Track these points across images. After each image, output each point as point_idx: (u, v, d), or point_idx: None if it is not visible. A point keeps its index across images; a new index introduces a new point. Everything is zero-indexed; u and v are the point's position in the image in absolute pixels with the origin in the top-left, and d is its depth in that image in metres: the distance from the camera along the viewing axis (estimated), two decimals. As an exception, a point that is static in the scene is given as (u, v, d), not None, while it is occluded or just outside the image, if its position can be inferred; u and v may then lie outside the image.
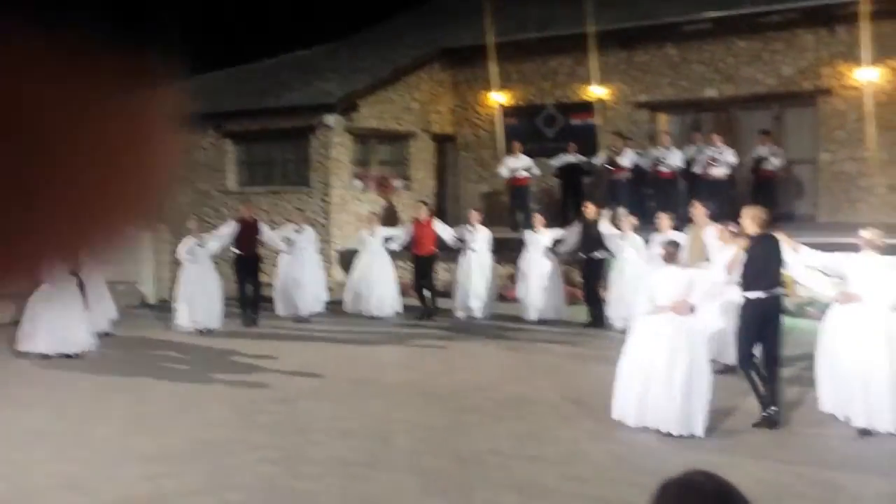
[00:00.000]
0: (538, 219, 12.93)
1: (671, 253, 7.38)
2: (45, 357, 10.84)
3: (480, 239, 13.19)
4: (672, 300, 7.06)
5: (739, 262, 7.22)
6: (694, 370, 6.92)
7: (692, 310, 7.11)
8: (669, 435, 6.86)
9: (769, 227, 7.40)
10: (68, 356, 10.89)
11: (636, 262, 11.31)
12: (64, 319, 10.96)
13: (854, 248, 7.59)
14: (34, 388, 9.42)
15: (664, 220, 10.75)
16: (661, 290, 7.18)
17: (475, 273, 13.04)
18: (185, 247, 12.81)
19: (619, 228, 11.96)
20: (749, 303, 7.25)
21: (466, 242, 13.24)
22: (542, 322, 12.44)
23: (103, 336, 12.28)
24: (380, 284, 13.29)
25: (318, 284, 13.55)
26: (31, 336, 10.97)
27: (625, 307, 11.41)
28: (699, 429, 6.89)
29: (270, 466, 6.51)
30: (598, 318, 12.09)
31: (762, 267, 7.18)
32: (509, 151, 16.57)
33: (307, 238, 13.53)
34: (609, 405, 7.91)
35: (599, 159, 15.77)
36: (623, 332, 11.21)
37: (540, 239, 12.64)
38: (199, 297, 12.56)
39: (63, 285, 11.10)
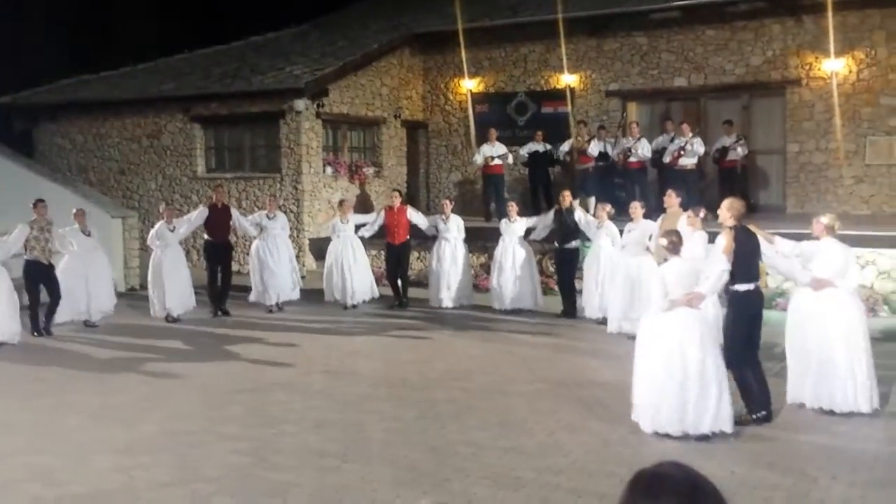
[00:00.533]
0: (512, 207, 12.91)
1: (675, 244, 6.98)
2: None
3: (453, 228, 13.15)
4: (684, 293, 6.77)
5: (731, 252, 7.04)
6: (719, 363, 6.74)
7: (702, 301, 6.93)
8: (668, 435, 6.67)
9: (745, 219, 7.41)
10: None
11: (610, 252, 11.38)
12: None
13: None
14: (-1, 377, 9.28)
15: (637, 209, 10.83)
16: (672, 284, 6.80)
17: (448, 262, 13.01)
18: (155, 231, 12.64)
19: (594, 217, 12.01)
20: (740, 296, 7.12)
21: (440, 232, 13.20)
22: (515, 312, 12.43)
23: (83, 325, 12.09)
24: (354, 273, 13.18)
25: (292, 272, 13.41)
26: None
27: (599, 297, 11.50)
28: (729, 424, 6.67)
29: (242, 458, 6.47)
30: (571, 308, 12.13)
31: (747, 259, 7.11)
32: (483, 139, 16.54)
33: (280, 224, 13.35)
34: (584, 395, 7.98)
35: (564, 148, 15.76)
36: (599, 322, 11.35)
37: (514, 227, 12.62)
38: (169, 284, 12.40)
39: None
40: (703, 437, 6.59)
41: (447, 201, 13.68)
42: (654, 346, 6.76)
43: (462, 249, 13.18)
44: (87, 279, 11.98)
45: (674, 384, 6.58)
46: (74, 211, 12.23)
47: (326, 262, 13.42)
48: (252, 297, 13.20)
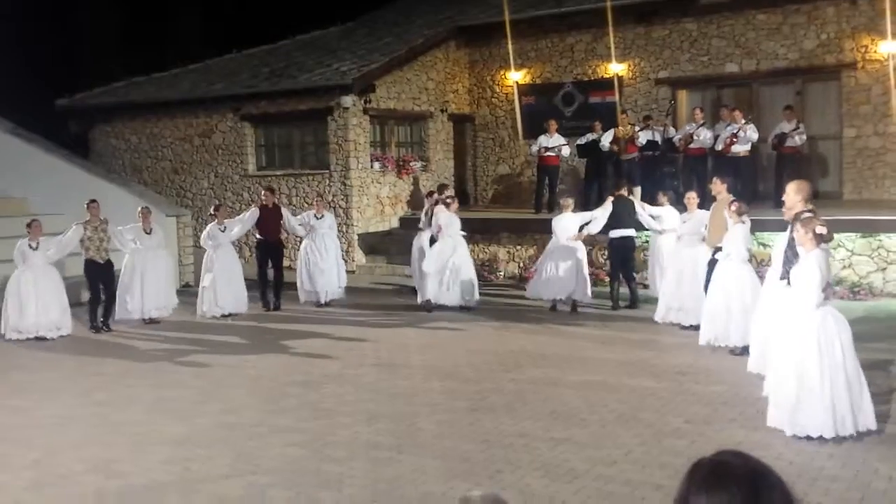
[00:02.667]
0: (566, 203, 12.15)
1: (829, 233, 6.38)
2: (41, 339, 11.26)
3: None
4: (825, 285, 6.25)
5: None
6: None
7: None
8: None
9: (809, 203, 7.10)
10: (44, 338, 11.30)
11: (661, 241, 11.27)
12: (44, 302, 11.31)
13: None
14: (58, 373, 9.50)
15: (692, 199, 10.67)
16: (824, 276, 6.22)
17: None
18: (207, 231, 12.87)
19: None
20: None
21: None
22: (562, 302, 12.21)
23: (147, 321, 12.27)
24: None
25: (338, 270, 13.48)
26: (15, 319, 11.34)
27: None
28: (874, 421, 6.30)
29: (297, 450, 6.53)
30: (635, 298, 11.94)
31: None
32: (533, 131, 16.41)
33: (327, 224, 13.46)
34: (636, 386, 7.90)
35: (606, 138, 15.45)
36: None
37: (566, 225, 11.97)
38: (223, 283, 12.60)
39: (41, 269, 11.44)
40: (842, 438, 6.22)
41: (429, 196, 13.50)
42: (810, 342, 6.19)
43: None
44: (144, 276, 12.16)
45: (839, 384, 6.16)
46: (139, 209, 12.48)
47: (437, 261, 12.34)
48: (302, 298, 13.35)
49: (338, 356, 9.74)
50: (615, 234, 11.89)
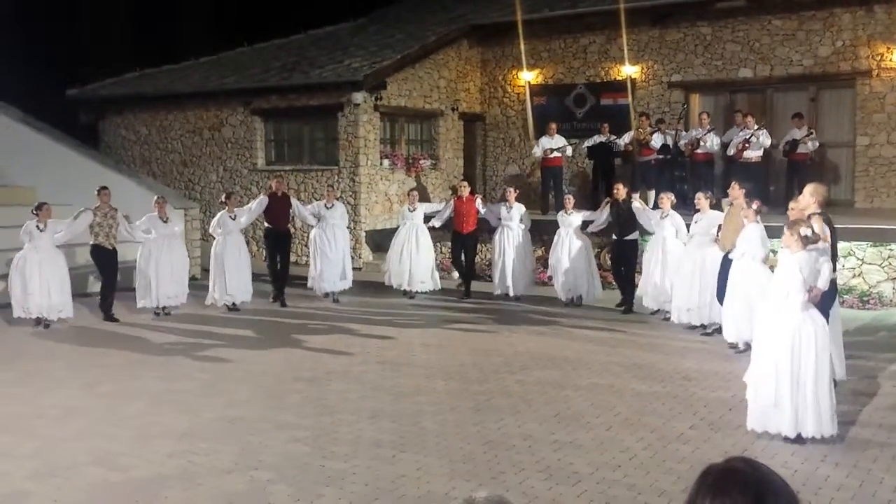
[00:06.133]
0: (569, 200, 12.80)
1: (814, 235, 6.35)
2: (43, 322, 11.38)
3: (516, 216, 13.07)
4: (808, 287, 6.23)
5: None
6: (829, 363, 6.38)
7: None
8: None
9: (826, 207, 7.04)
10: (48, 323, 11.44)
11: (674, 243, 11.17)
12: (47, 284, 11.33)
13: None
14: (64, 363, 9.51)
15: (702, 199, 10.61)
16: (807, 277, 6.20)
17: (511, 251, 12.95)
18: (217, 219, 12.84)
19: (658, 207, 11.81)
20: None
21: (502, 220, 13.13)
22: (573, 303, 12.44)
23: (158, 312, 12.26)
24: (415, 261, 13.27)
25: (345, 262, 13.47)
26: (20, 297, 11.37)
27: (655, 288, 11.34)
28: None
29: (299, 446, 6.52)
30: (628, 302, 11.99)
31: (833, 247, 6.83)
32: (541, 131, 16.39)
33: (338, 214, 13.42)
34: (642, 390, 7.86)
35: (625, 139, 15.49)
36: (653, 313, 11.24)
37: (570, 220, 12.49)
38: (230, 272, 12.55)
39: (46, 251, 11.43)
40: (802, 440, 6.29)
41: (511, 189, 13.49)
42: (779, 346, 6.24)
43: (525, 238, 13.10)
44: (159, 264, 12.09)
45: (799, 383, 6.18)
46: (155, 198, 12.47)
47: (390, 249, 13.62)
48: (309, 284, 13.33)
49: (343, 353, 9.72)
50: (624, 237, 11.93)
